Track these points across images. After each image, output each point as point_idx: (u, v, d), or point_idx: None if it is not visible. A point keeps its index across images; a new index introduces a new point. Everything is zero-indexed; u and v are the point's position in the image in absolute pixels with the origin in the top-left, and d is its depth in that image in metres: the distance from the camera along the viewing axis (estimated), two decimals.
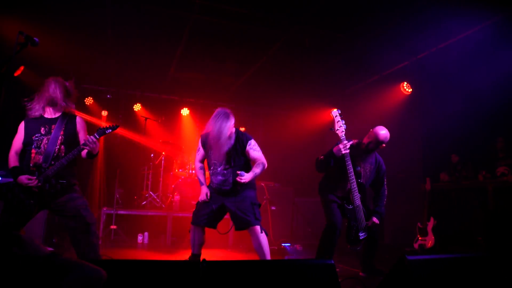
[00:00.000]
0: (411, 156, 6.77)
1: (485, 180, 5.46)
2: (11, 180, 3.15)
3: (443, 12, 4.91)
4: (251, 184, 3.78)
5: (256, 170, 3.70)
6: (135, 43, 6.37)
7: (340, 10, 5.15)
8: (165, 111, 8.89)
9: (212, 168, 3.79)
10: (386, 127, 4.01)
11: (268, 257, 3.66)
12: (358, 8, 5.06)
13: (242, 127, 9.37)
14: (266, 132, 9.42)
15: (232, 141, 3.70)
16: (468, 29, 5.31)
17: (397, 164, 6.63)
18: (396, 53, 6.21)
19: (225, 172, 3.69)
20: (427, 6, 4.86)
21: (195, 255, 3.83)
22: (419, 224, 5.80)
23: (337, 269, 4.54)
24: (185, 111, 9.19)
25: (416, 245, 5.73)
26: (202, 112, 9.24)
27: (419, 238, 5.72)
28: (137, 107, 8.83)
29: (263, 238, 3.63)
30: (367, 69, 7.02)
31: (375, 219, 4.00)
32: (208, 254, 5.15)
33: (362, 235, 3.94)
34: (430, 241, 5.55)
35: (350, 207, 3.95)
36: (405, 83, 6.84)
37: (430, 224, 5.65)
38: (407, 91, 6.84)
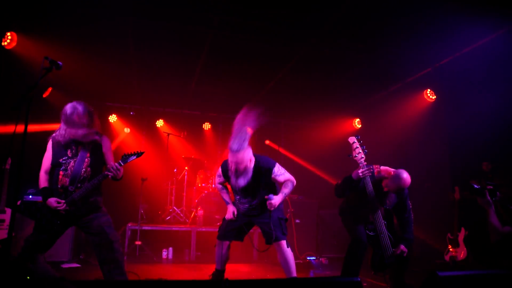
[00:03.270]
0: (438, 164, 6.56)
1: None
2: (40, 199, 3.24)
3: (466, 16, 4.79)
4: None
5: (285, 190, 3.65)
6: (156, 59, 6.49)
7: (360, 19, 5.09)
8: (187, 126, 8.98)
9: (237, 198, 3.81)
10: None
11: (294, 271, 3.61)
12: (378, 16, 5.00)
13: (266, 140, 9.35)
14: (288, 144, 9.37)
15: (250, 174, 3.57)
16: (493, 33, 5.15)
17: (423, 172, 6.45)
18: (418, 60, 6.08)
19: (252, 203, 3.71)
20: (449, 12, 4.75)
21: (219, 271, 3.81)
22: (449, 235, 5.58)
23: (364, 284, 4.42)
24: (207, 126, 9.28)
25: (447, 257, 5.51)
26: (224, 126, 9.30)
27: (450, 249, 5.50)
28: (160, 123, 8.98)
29: (289, 253, 3.61)
30: (389, 77, 6.90)
31: (403, 247, 3.78)
32: (232, 269, 5.12)
33: (388, 261, 3.77)
34: (462, 253, 5.33)
35: (372, 233, 3.79)
36: (429, 90, 6.69)
37: (461, 234, 5.43)
38: (431, 98, 6.69)
